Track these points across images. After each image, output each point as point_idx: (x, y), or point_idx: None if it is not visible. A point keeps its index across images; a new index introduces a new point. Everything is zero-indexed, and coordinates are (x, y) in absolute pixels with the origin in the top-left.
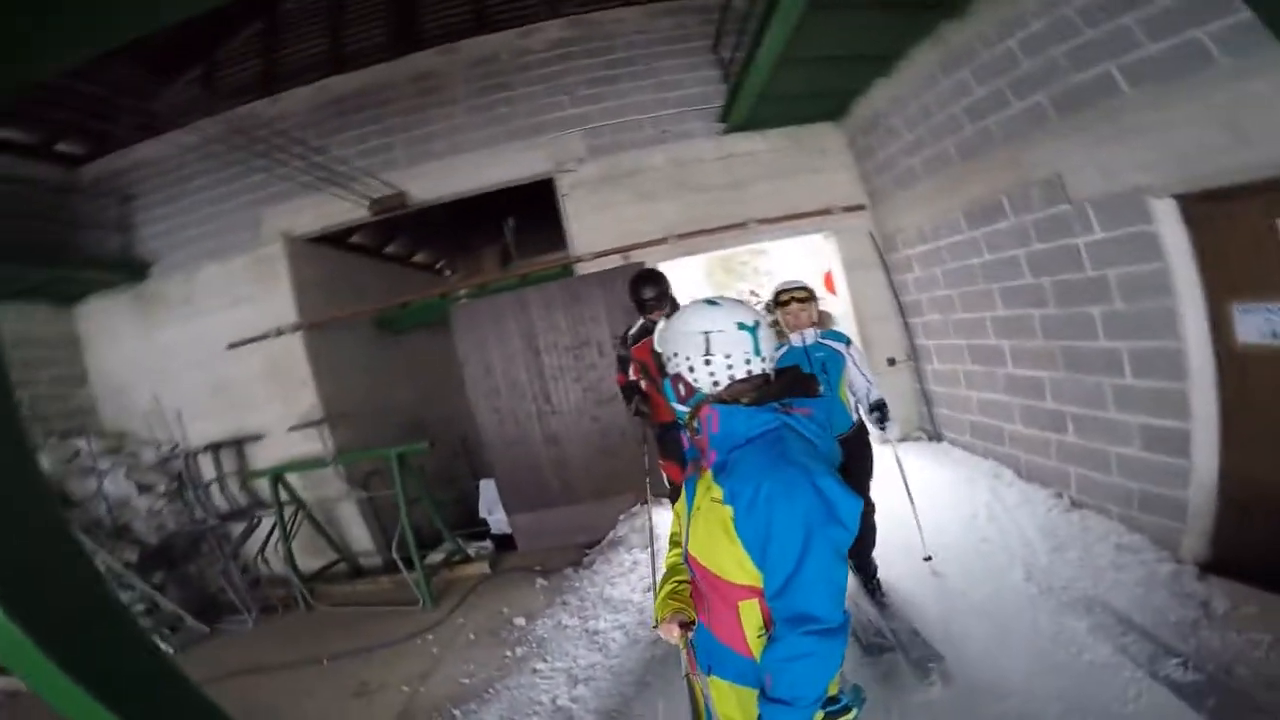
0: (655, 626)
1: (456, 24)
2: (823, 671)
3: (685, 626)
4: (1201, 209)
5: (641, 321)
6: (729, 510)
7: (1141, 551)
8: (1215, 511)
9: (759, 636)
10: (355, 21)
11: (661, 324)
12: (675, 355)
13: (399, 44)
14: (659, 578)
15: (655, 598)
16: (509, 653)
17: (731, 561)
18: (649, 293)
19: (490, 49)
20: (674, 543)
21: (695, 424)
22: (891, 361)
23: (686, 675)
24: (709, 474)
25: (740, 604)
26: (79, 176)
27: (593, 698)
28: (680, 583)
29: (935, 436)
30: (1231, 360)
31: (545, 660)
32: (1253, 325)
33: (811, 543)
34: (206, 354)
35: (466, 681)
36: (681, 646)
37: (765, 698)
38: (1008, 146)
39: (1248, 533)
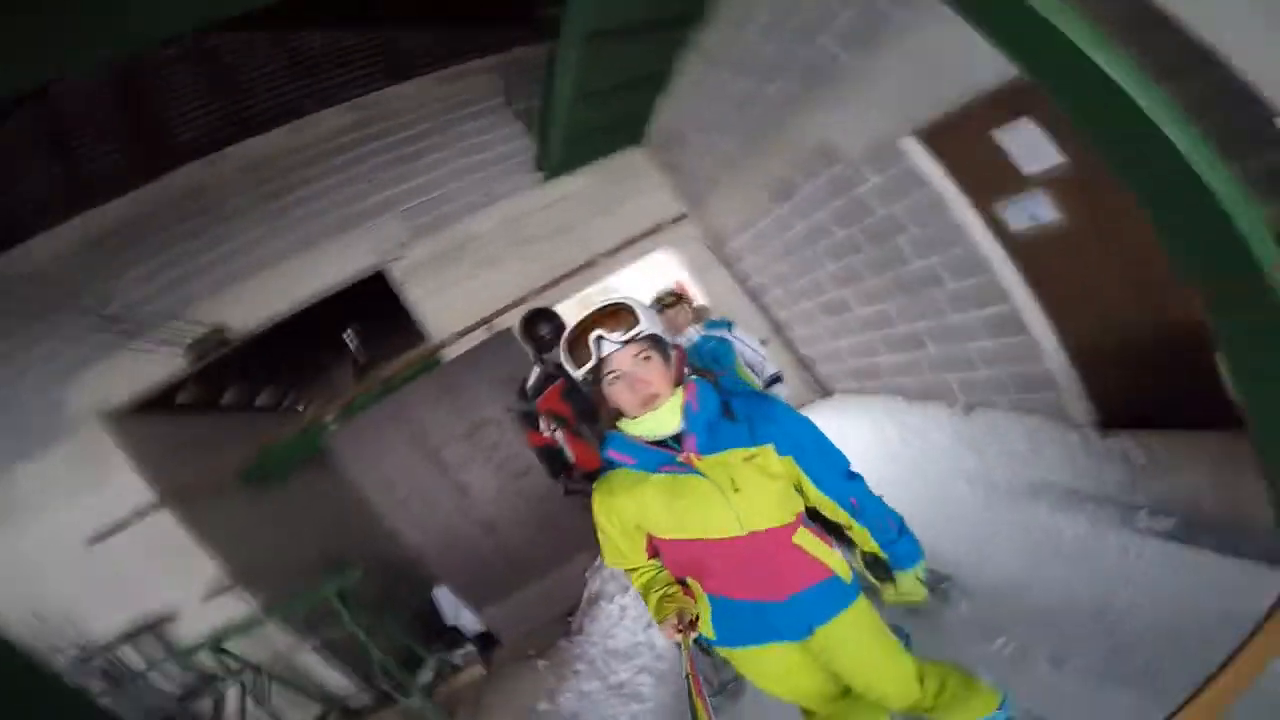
0: (659, 624)
1: (209, 132)
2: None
3: (690, 626)
4: (938, 138)
5: (540, 369)
6: (768, 448)
7: (1044, 429)
8: (1077, 376)
9: (825, 550)
10: (83, 147)
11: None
12: (659, 328)
13: (150, 163)
14: (636, 587)
15: (648, 604)
16: None
17: (784, 497)
18: (544, 329)
19: (261, 151)
20: (642, 568)
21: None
22: (764, 342)
23: (687, 675)
24: (705, 458)
25: (794, 539)
26: None
27: None
28: (669, 586)
29: (827, 393)
30: (1016, 246)
31: None
32: (1014, 215)
33: (815, 427)
34: (67, 555)
35: None
36: (684, 646)
37: (894, 539)
38: (778, 129)
39: (1110, 385)
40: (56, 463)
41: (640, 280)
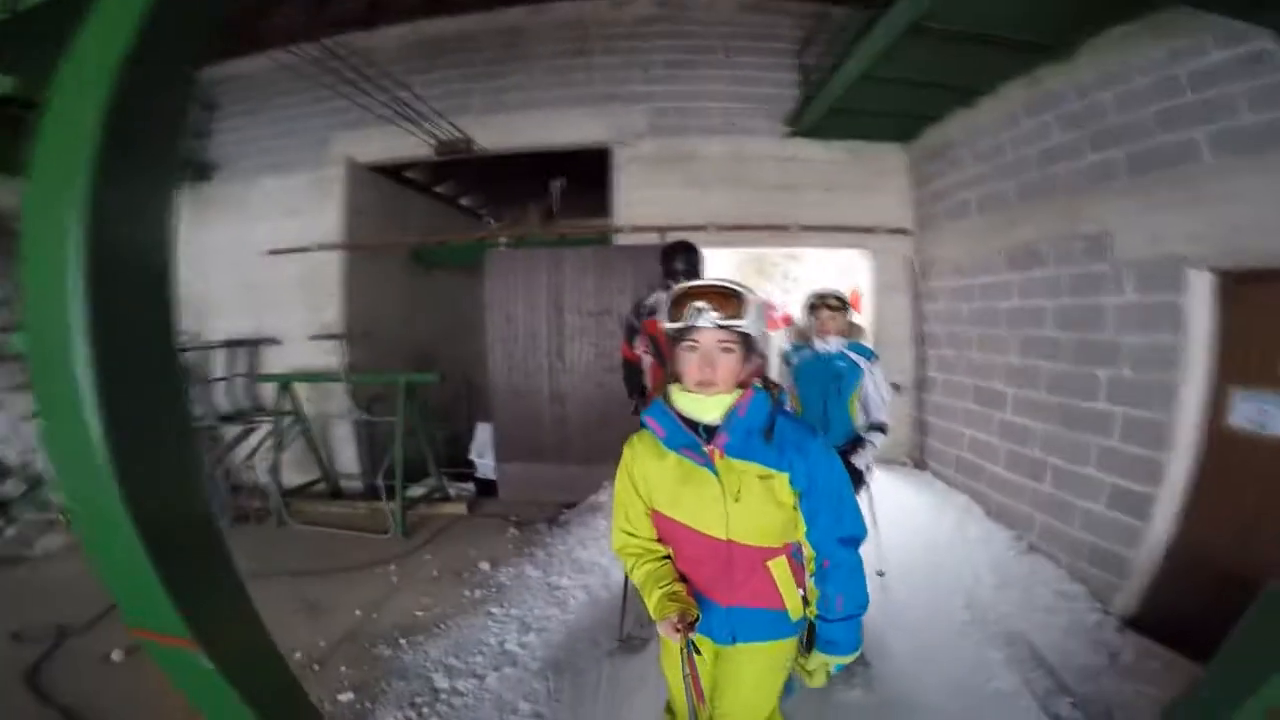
0: (658, 622)
1: None
2: (865, 580)
3: (689, 626)
4: (1236, 287)
5: (661, 294)
6: (782, 475)
7: (1076, 600)
8: (1156, 573)
9: (790, 586)
10: None
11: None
12: (764, 341)
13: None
14: (636, 577)
15: (648, 601)
16: (467, 593)
17: (779, 525)
18: (680, 264)
19: (579, 14)
20: (642, 551)
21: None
22: (896, 387)
23: (686, 676)
24: (728, 459)
25: (769, 563)
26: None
27: (541, 647)
28: (672, 583)
29: (920, 465)
30: (1218, 440)
31: (501, 606)
32: (1246, 412)
33: (846, 483)
34: (244, 256)
35: (419, 614)
36: (681, 645)
37: (833, 620)
38: (1068, 196)
39: (1178, 597)
40: (295, 184)
41: (821, 268)
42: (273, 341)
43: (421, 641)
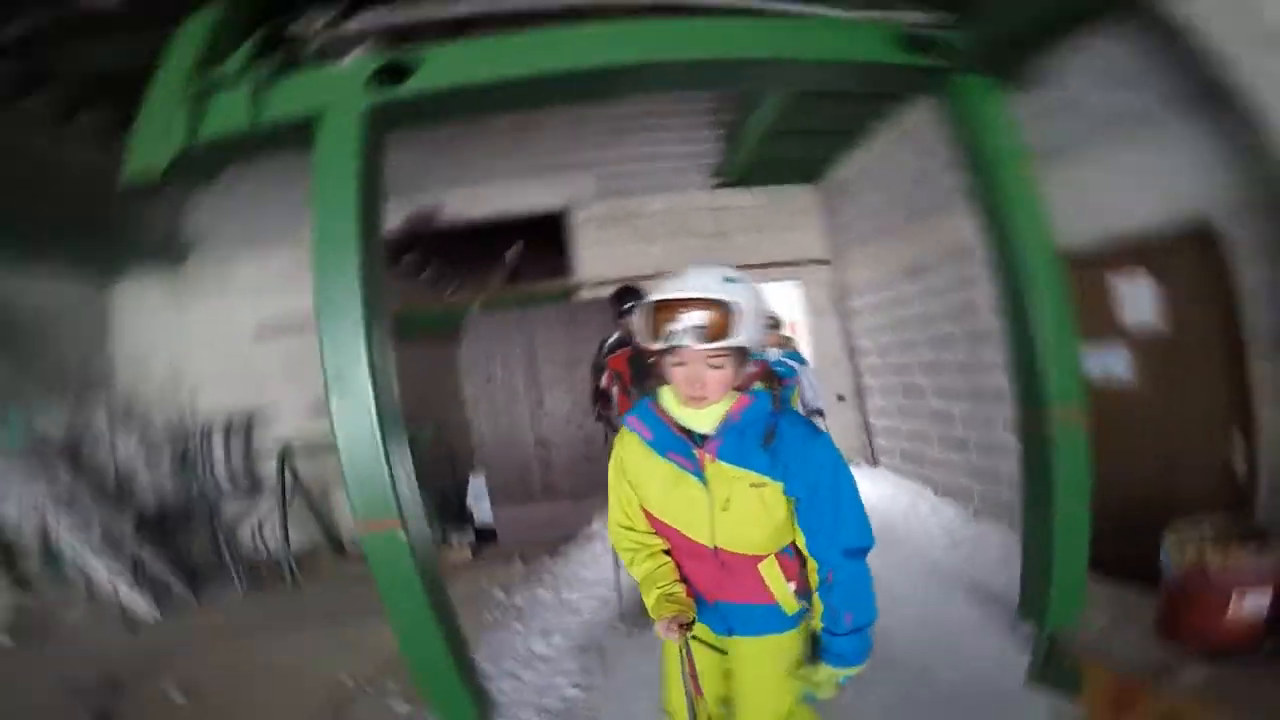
0: (655, 622)
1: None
2: (873, 591)
3: (684, 627)
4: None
5: (618, 334)
6: (777, 485)
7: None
8: None
9: (779, 583)
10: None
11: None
12: (759, 335)
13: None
14: (634, 573)
15: (646, 600)
16: (488, 615)
17: (770, 533)
18: (629, 303)
19: None
20: (638, 546)
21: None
22: (840, 398)
23: (685, 676)
24: (719, 463)
25: (759, 565)
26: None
27: (565, 643)
28: (670, 584)
29: (873, 462)
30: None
31: (521, 622)
32: (1091, 363)
33: (849, 488)
34: (230, 336)
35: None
36: (680, 646)
37: (841, 635)
38: (937, 216)
39: (1099, 533)
40: (276, 259)
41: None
42: (264, 421)
43: None
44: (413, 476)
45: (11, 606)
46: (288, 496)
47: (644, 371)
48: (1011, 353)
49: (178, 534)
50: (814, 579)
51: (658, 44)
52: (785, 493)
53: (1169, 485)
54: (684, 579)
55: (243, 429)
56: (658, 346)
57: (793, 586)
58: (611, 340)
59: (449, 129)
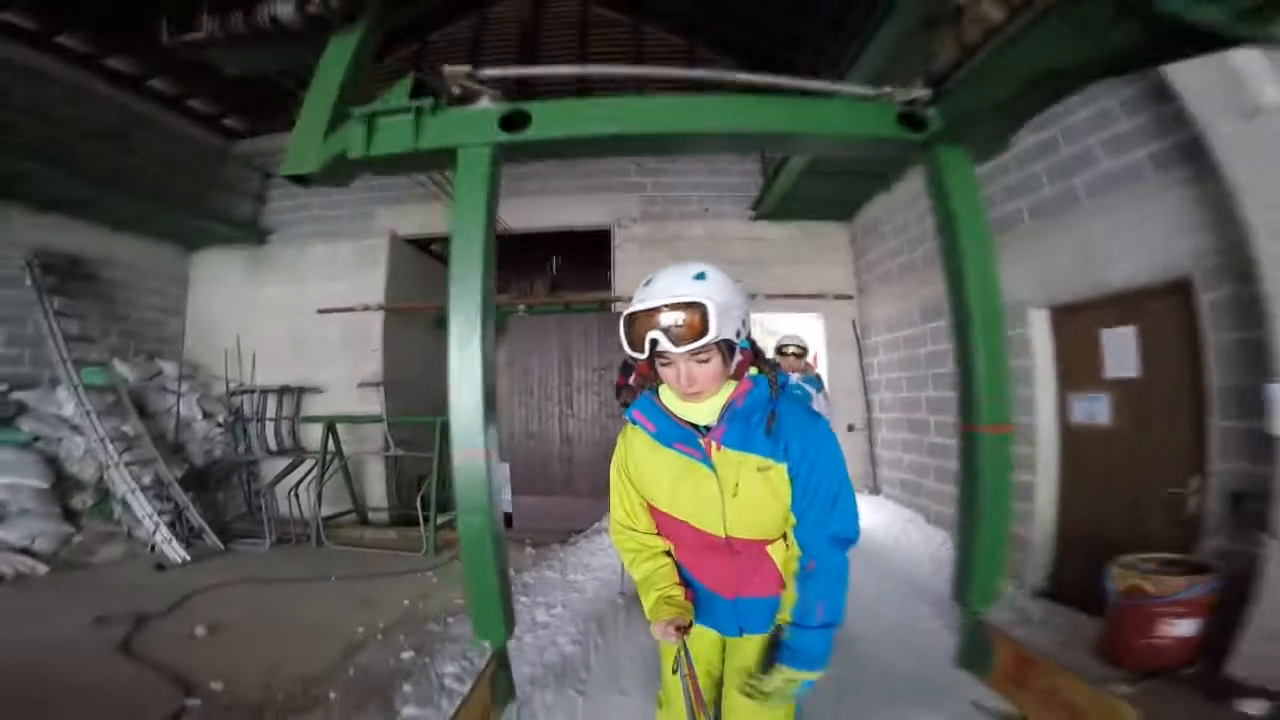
0: (652, 624)
1: (560, 85)
2: (845, 592)
3: (682, 630)
4: (1061, 319)
5: None
6: (781, 466)
7: None
8: (1050, 547)
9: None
10: (485, 63)
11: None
12: (743, 320)
13: (517, 90)
14: (635, 574)
15: (644, 601)
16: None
17: (778, 517)
18: None
19: None
20: (640, 547)
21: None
22: (851, 428)
23: (684, 677)
24: (724, 450)
25: (768, 548)
26: (234, 148)
27: (567, 613)
28: (669, 587)
29: (875, 490)
30: (1066, 434)
31: (528, 596)
32: (1081, 410)
33: (843, 476)
34: (295, 313)
35: (459, 601)
36: (678, 649)
37: (810, 628)
38: (936, 262)
39: (1068, 564)
40: (342, 251)
41: (790, 323)
42: (317, 390)
43: (453, 628)
44: (495, 430)
45: (57, 536)
46: (327, 464)
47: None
48: (959, 381)
49: (219, 488)
50: (791, 567)
51: (700, 117)
52: (789, 474)
53: (1135, 522)
54: (696, 580)
55: (294, 399)
56: (643, 356)
57: None
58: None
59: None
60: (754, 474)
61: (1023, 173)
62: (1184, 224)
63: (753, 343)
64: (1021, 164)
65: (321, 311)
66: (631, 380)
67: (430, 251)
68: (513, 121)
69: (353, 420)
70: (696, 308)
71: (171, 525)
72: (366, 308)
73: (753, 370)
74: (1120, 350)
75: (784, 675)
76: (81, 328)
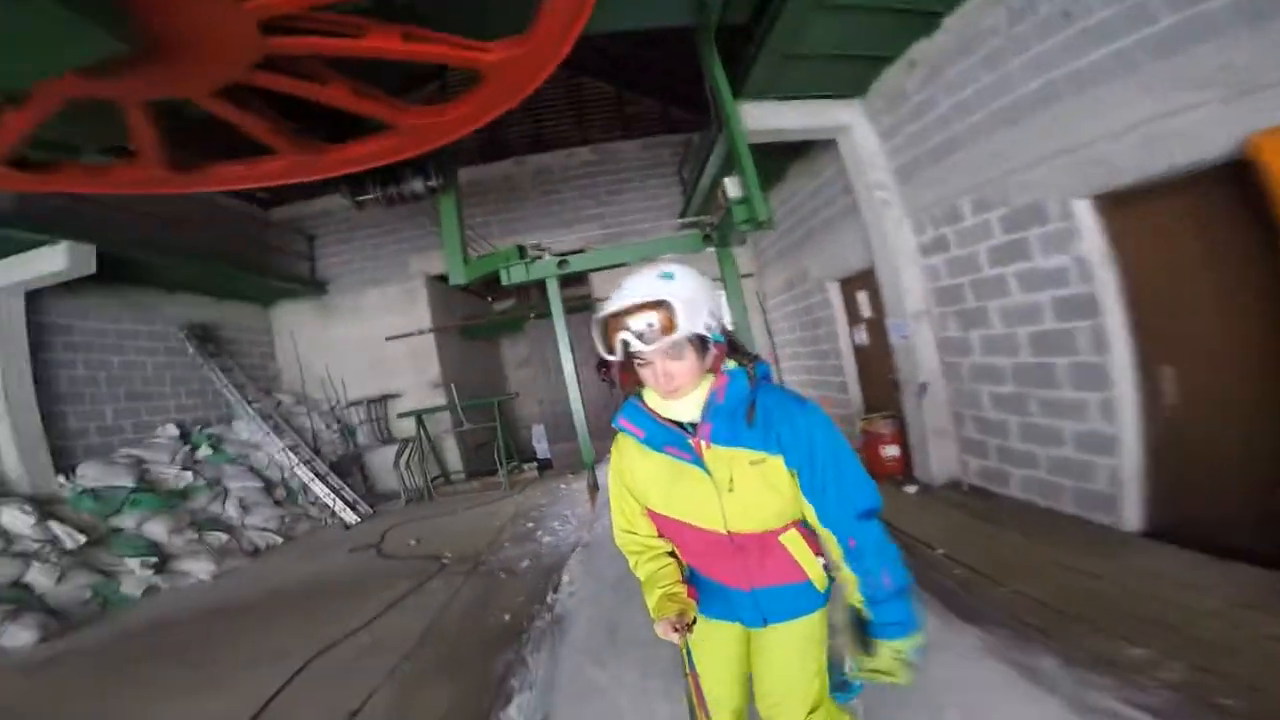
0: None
1: (521, 143)
2: (899, 553)
3: (685, 628)
4: (845, 286)
5: None
6: (775, 458)
7: None
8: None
9: (808, 555)
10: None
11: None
12: (713, 314)
13: (488, 153)
14: (639, 574)
15: (648, 600)
16: (549, 500)
17: (780, 508)
18: None
19: (547, 163)
20: (642, 549)
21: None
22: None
23: (686, 677)
24: (715, 447)
25: (781, 538)
26: (269, 215)
27: (582, 511)
28: (672, 585)
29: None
30: (856, 351)
31: (566, 503)
32: (855, 336)
33: (846, 451)
34: (367, 343)
35: (541, 501)
36: (681, 647)
37: (885, 600)
38: (808, 246)
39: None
40: (391, 293)
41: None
42: (395, 396)
43: (544, 507)
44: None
45: (276, 518)
46: (411, 446)
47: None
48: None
49: (347, 474)
50: (835, 553)
51: (622, 254)
52: (786, 465)
53: (882, 397)
54: (709, 578)
55: (381, 404)
56: (617, 358)
57: (822, 562)
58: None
59: (494, 195)
60: (747, 468)
61: (810, 212)
62: (861, 243)
63: (728, 335)
64: (810, 215)
65: (389, 338)
66: (612, 373)
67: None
68: (562, 264)
69: (434, 410)
70: (663, 306)
71: (340, 499)
72: (421, 331)
73: (730, 364)
74: (864, 303)
75: (890, 649)
76: (231, 377)
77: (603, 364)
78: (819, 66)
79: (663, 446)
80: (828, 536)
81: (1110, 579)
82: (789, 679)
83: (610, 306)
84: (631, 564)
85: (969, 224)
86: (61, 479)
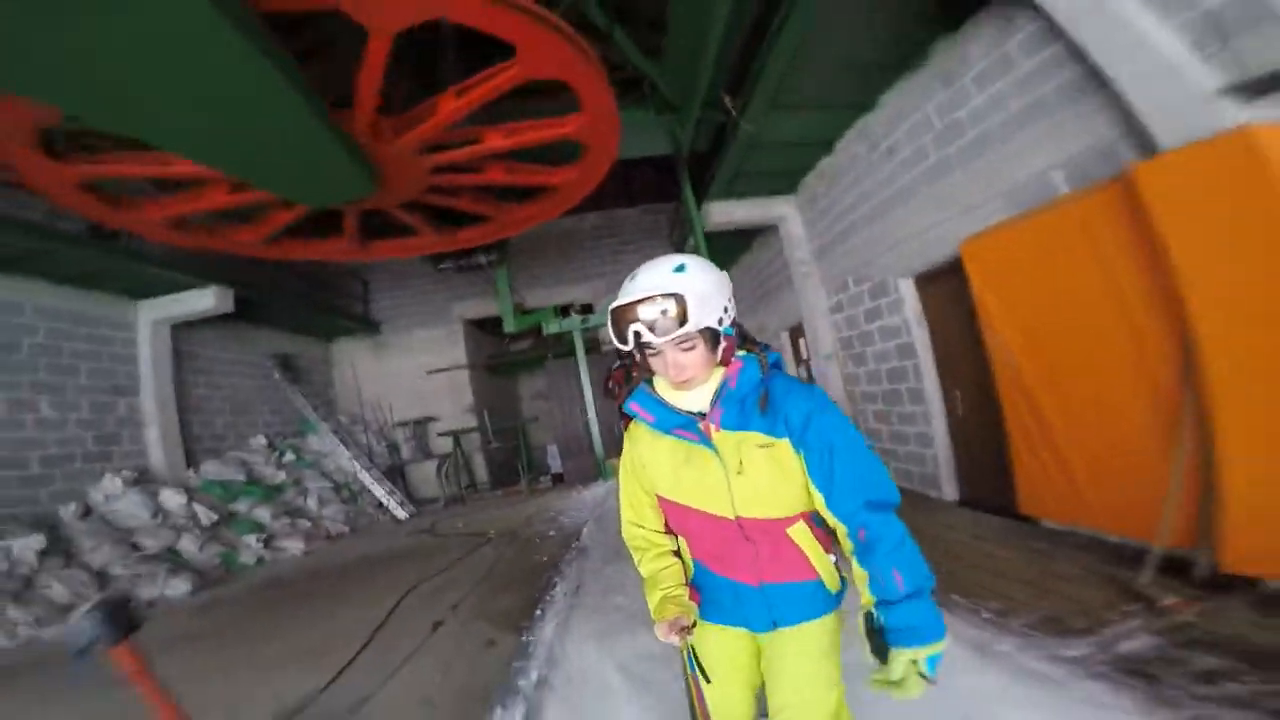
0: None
1: None
2: (920, 551)
3: (684, 630)
4: (794, 333)
5: (619, 361)
6: (783, 442)
7: None
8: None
9: (818, 551)
10: None
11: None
12: (725, 308)
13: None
14: (641, 571)
15: (649, 601)
16: (563, 501)
17: (789, 495)
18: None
19: (564, 226)
20: (647, 545)
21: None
22: None
23: (686, 679)
24: (723, 432)
25: (789, 530)
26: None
27: (585, 502)
28: (673, 587)
29: None
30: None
31: (576, 502)
32: (815, 367)
33: (860, 440)
34: (412, 375)
35: (556, 503)
36: (682, 650)
37: (898, 601)
38: (758, 305)
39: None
40: (436, 334)
41: None
42: (434, 419)
43: (561, 511)
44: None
45: (344, 512)
46: (448, 460)
47: (633, 380)
48: None
49: (393, 481)
50: (846, 546)
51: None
52: (794, 449)
53: None
54: (717, 574)
55: (422, 425)
56: (628, 348)
57: (833, 559)
58: (614, 364)
59: (525, 254)
60: (756, 451)
61: (768, 276)
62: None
63: (739, 326)
64: (767, 279)
65: (430, 372)
66: (611, 380)
67: (481, 326)
68: (585, 319)
69: (467, 431)
70: (676, 299)
71: (394, 500)
72: (460, 366)
73: (742, 351)
74: (803, 347)
75: (905, 657)
76: (307, 399)
77: (608, 380)
78: (760, 178)
79: (672, 430)
80: (838, 527)
81: (921, 530)
82: (802, 691)
83: (623, 297)
84: (635, 560)
85: (853, 292)
86: (191, 472)
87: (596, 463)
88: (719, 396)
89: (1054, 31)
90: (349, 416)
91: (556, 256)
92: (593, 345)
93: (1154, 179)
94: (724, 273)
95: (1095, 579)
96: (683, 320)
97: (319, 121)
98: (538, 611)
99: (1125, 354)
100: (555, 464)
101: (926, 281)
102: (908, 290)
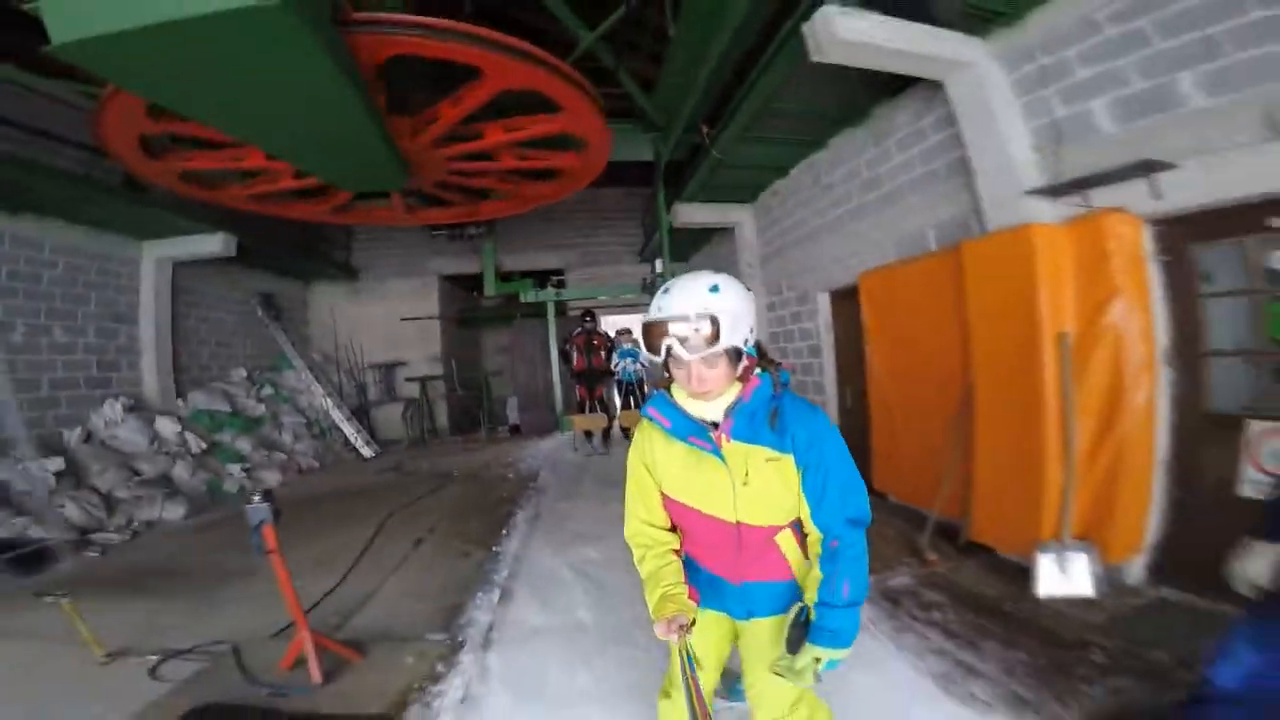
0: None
1: None
2: (867, 569)
3: (683, 629)
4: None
5: (578, 328)
6: (788, 457)
7: None
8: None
9: (798, 556)
10: None
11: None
12: (751, 328)
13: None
14: (642, 570)
15: (649, 599)
16: (520, 450)
17: (787, 505)
18: (587, 319)
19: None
20: (651, 543)
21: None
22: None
23: (686, 679)
24: (733, 442)
25: (776, 538)
26: None
27: (541, 454)
28: (673, 585)
29: None
30: None
31: (533, 451)
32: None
33: (849, 461)
34: (386, 321)
35: (514, 451)
36: (681, 650)
37: (838, 606)
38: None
39: None
40: (412, 284)
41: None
42: (403, 364)
43: (519, 459)
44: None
45: (314, 448)
46: (422, 404)
47: (593, 347)
48: None
49: (363, 420)
50: (814, 550)
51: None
52: (797, 465)
53: None
54: (704, 567)
55: (390, 369)
56: (659, 360)
57: (807, 564)
58: (575, 330)
59: (514, 219)
60: (763, 464)
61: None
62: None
63: (759, 345)
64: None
65: (404, 319)
66: (568, 349)
67: (455, 280)
68: (560, 290)
69: (433, 378)
70: (712, 320)
71: (362, 437)
72: (430, 317)
73: (758, 370)
74: None
75: (813, 654)
76: (286, 336)
77: (566, 343)
78: (724, 189)
79: (686, 436)
80: (813, 533)
81: None
82: (767, 673)
83: (659, 313)
84: (637, 557)
85: (785, 296)
86: (180, 401)
87: (555, 418)
88: (732, 409)
89: (951, 118)
90: (322, 355)
91: (537, 222)
92: (560, 310)
93: (970, 253)
94: (750, 291)
95: (900, 540)
96: (714, 339)
97: (383, 139)
98: (504, 531)
99: (941, 376)
100: (514, 416)
101: (839, 297)
102: (824, 302)
